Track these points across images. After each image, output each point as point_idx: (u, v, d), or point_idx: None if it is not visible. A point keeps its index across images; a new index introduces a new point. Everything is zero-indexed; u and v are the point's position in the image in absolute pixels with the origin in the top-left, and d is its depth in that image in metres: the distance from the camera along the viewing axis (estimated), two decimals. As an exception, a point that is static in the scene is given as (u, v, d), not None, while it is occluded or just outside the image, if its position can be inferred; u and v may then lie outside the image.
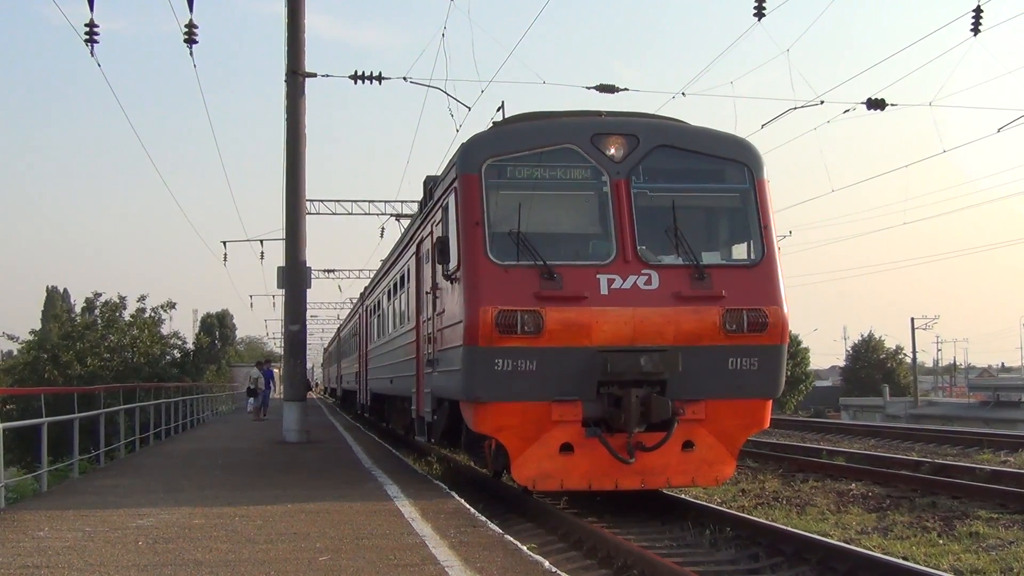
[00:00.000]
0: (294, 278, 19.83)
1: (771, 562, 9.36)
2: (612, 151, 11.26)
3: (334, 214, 37.21)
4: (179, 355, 45.54)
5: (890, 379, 78.63)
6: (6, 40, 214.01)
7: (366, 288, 29.93)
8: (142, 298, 43.20)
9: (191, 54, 17.51)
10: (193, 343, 50.15)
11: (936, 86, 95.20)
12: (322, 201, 36.87)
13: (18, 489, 15.03)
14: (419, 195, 16.06)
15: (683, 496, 12.84)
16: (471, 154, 11.27)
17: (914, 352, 76.22)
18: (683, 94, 19.58)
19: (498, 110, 13.21)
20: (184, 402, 26.86)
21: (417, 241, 15.12)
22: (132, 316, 42.40)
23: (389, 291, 20.31)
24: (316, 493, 11.27)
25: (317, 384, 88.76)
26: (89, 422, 16.09)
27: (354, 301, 40.51)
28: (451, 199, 11.55)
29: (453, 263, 11.26)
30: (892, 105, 18.95)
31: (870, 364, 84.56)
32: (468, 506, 10.19)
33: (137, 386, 25.96)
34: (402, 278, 17.70)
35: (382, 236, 39.04)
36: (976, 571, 8.85)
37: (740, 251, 11.77)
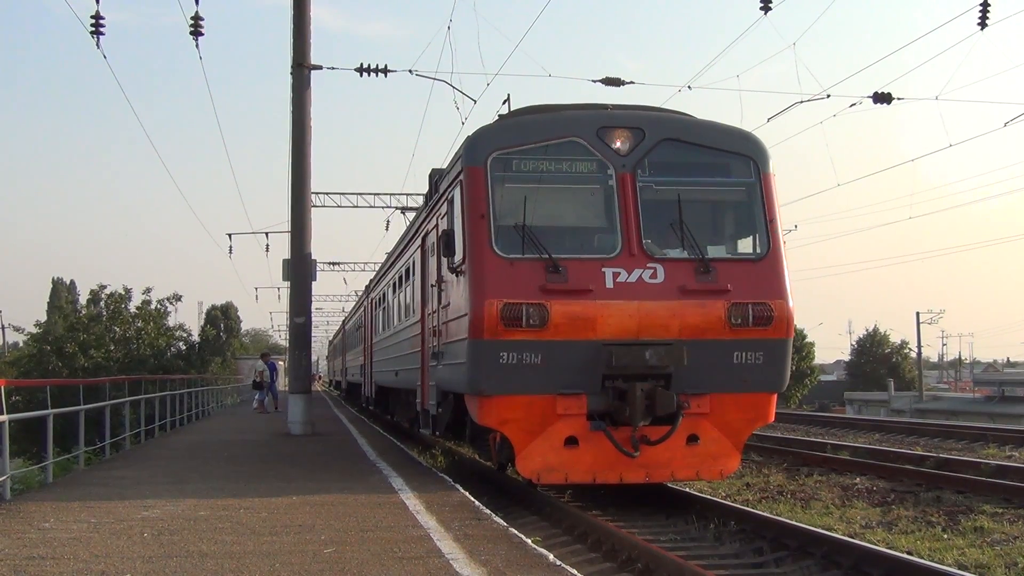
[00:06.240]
0: (299, 270, 19.84)
1: (775, 556, 9.36)
2: (618, 144, 11.24)
3: (339, 207, 37.19)
4: (184, 347, 45.62)
5: (895, 373, 78.50)
6: (12, 33, 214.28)
7: (371, 281, 29.93)
8: (147, 290, 43.34)
9: (197, 46, 17.51)
10: (199, 335, 50.24)
11: (943, 80, 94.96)
12: (327, 194, 36.85)
13: (24, 480, 15.08)
14: (424, 188, 16.06)
15: (688, 490, 12.85)
16: (476, 147, 11.25)
17: (919, 346, 76.14)
18: (689, 87, 19.68)
19: (504, 103, 13.18)
20: (189, 394, 26.90)
21: (422, 234, 15.11)
22: (138, 308, 42.51)
23: (394, 284, 20.31)
24: (321, 485, 11.29)
25: (320, 376, 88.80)
26: (95, 414, 16.12)
27: (359, 294, 40.54)
28: (456, 192, 11.54)
29: (458, 256, 11.25)
30: (899, 99, 18.92)
31: (875, 358, 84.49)
32: (472, 499, 10.19)
33: (143, 378, 26.00)
34: (407, 271, 17.70)
35: (387, 229, 39.07)
36: (981, 566, 8.84)
37: (746, 245, 11.75)
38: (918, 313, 73.83)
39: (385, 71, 19.87)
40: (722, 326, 10.81)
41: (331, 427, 23.07)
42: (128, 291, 42.74)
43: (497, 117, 12.51)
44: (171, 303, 43.85)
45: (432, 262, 13.70)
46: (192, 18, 16.71)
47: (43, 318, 55.39)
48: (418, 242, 15.77)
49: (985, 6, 15.77)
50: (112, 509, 9.57)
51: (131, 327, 41.61)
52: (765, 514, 10.94)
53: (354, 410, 35.19)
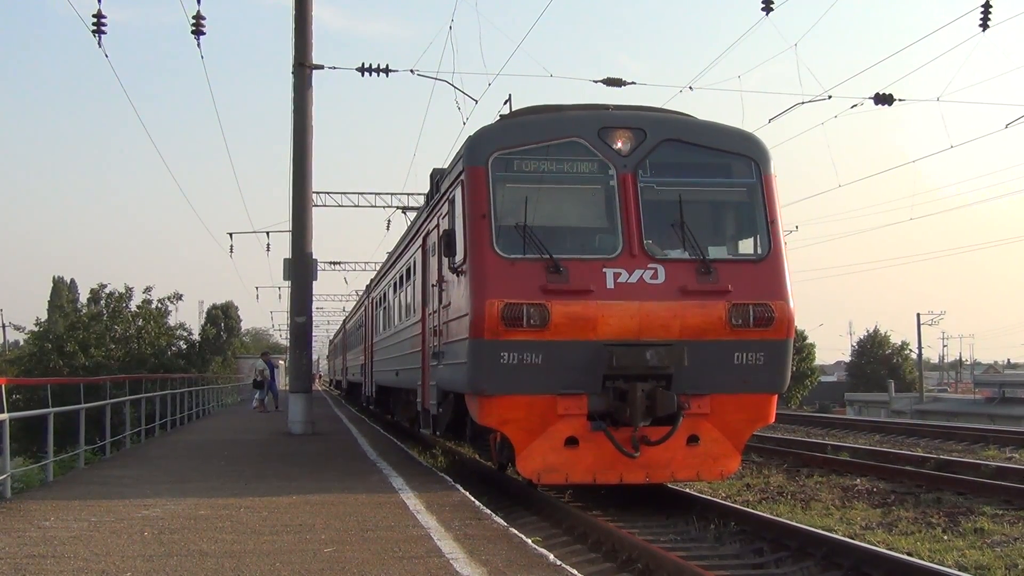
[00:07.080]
0: (300, 270, 19.84)
1: (775, 556, 9.36)
2: (619, 145, 11.24)
3: (340, 206, 37.25)
4: (185, 346, 45.64)
5: (895, 375, 78.44)
6: (13, 32, 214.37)
7: (372, 280, 29.94)
8: (148, 289, 43.39)
9: (198, 45, 17.53)
10: (199, 334, 50.25)
11: (944, 81, 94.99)
12: (328, 193, 36.89)
13: (24, 479, 15.08)
14: (425, 188, 16.05)
15: (688, 490, 12.85)
16: (478, 147, 11.25)
17: (920, 348, 76.10)
18: (690, 88, 19.66)
19: (505, 103, 13.18)
20: (190, 393, 26.91)
21: (423, 234, 15.11)
22: (138, 307, 42.55)
23: (395, 284, 20.32)
24: (321, 485, 11.29)
25: (320, 376, 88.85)
26: (95, 412, 16.12)
27: (360, 293, 40.55)
28: (458, 192, 11.54)
29: (459, 256, 11.25)
30: (900, 100, 18.96)
31: (876, 360, 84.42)
32: (473, 499, 10.19)
33: (143, 377, 26.03)
34: (408, 271, 17.70)
35: (388, 228, 39.15)
36: (981, 567, 8.84)
37: (747, 246, 11.74)
38: (919, 314, 73.84)
39: (387, 71, 19.88)
40: (723, 327, 10.80)
41: (331, 426, 23.07)
42: (129, 290, 42.82)
43: (499, 117, 12.51)
44: (172, 302, 43.94)
45: (433, 262, 13.70)
46: (194, 17, 16.73)
47: (44, 317, 55.47)
48: (419, 242, 15.77)
49: (986, 7, 15.79)
50: (112, 508, 9.57)
51: (132, 326, 41.64)
52: (765, 515, 10.94)
53: (354, 409, 35.19)
